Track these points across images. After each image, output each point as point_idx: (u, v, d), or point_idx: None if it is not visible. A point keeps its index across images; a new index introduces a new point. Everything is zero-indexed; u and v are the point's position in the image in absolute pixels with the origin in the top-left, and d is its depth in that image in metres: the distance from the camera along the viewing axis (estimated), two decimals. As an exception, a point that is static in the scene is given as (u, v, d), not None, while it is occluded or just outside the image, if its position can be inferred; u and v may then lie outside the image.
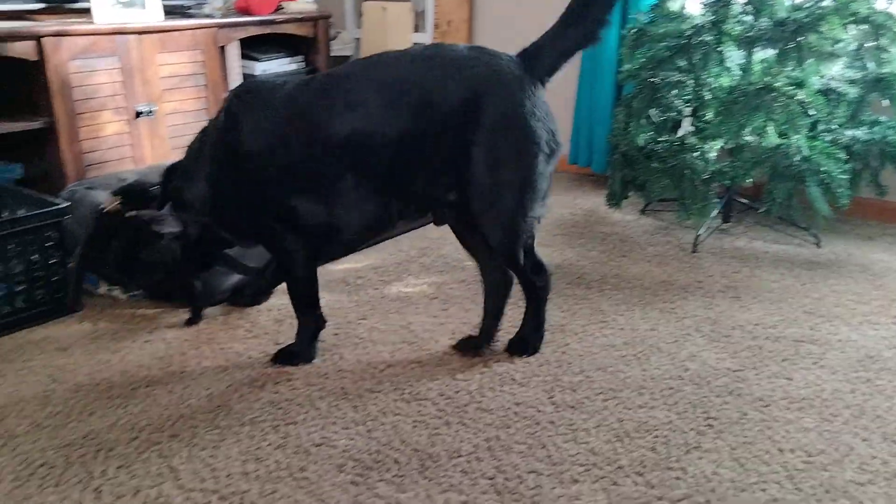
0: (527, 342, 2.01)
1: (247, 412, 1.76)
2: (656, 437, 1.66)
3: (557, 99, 4.25)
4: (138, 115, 3.02)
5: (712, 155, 2.68)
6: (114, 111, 2.94)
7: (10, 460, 1.58)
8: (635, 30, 2.88)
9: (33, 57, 2.67)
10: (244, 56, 3.56)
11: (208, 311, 2.26)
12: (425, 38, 4.24)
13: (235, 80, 3.51)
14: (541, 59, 1.81)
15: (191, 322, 2.17)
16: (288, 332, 2.12)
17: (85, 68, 2.82)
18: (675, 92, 2.74)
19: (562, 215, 3.24)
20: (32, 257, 2.16)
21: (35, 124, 2.75)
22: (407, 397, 1.83)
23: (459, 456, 1.60)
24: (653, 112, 2.78)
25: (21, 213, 2.23)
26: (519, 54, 1.82)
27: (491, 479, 1.53)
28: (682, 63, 2.72)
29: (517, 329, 2.04)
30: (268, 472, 1.55)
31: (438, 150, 1.76)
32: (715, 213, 2.81)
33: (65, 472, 1.54)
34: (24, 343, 2.08)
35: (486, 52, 1.80)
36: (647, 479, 1.52)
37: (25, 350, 2.04)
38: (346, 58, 4.51)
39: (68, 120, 2.78)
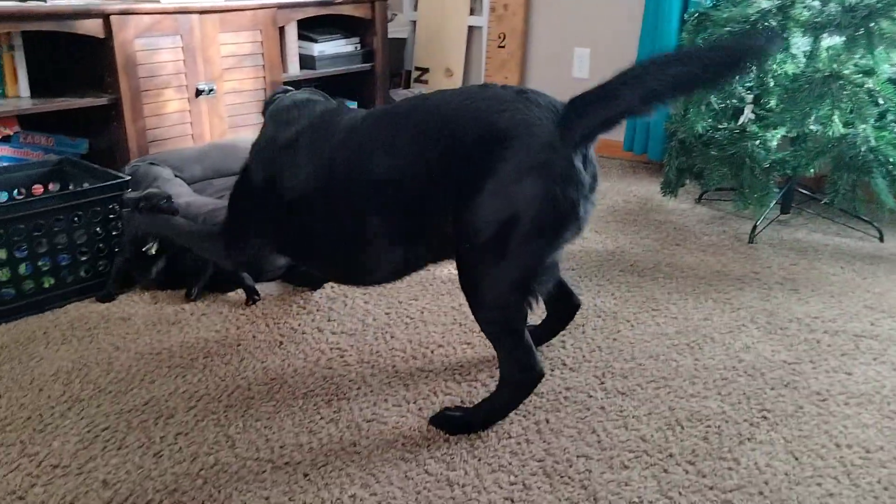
0: (468, 421, 1.65)
1: (300, 386, 1.79)
2: (708, 426, 1.65)
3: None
4: (198, 93, 3.07)
5: (774, 143, 2.62)
6: (175, 89, 3.00)
7: (75, 423, 1.64)
8: (697, 14, 2.82)
9: (101, 34, 2.74)
10: (301, 37, 3.59)
11: (265, 288, 2.31)
12: (481, 21, 4.23)
13: (293, 61, 3.55)
14: (584, 118, 1.52)
15: (249, 302, 2.21)
16: (340, 310, 2.16)
17: (149, 46, 2.88)
18: (737, 78, 2.68)
19: (616, 202, 3.21)
20: (96, 229, 2.23)
21: (101, 101, 2.82)
22: (458, 378, 1.84)
23: (509, 437, 1.60)
24: (713, 99, 2.72)
25: (86, 185, 2.30)
26: (566, 104, 1.56)
27: (540, 461, 1.53)
28: (745, 49, 2.65)
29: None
30: (320, 444, 1.58)
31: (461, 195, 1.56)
32: (774, 203, 2.75)
33: (127, 436, 1.60)
34: (87, 312, 2.16)
35: (526, 98, 1.57)
36: (698, 468, 1.51)
37: (89, 318, 2.11)
38: (401, 40, 4.53)
39: (132, 97, 2.86)
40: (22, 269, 2.10)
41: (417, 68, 4.55)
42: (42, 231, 2.10)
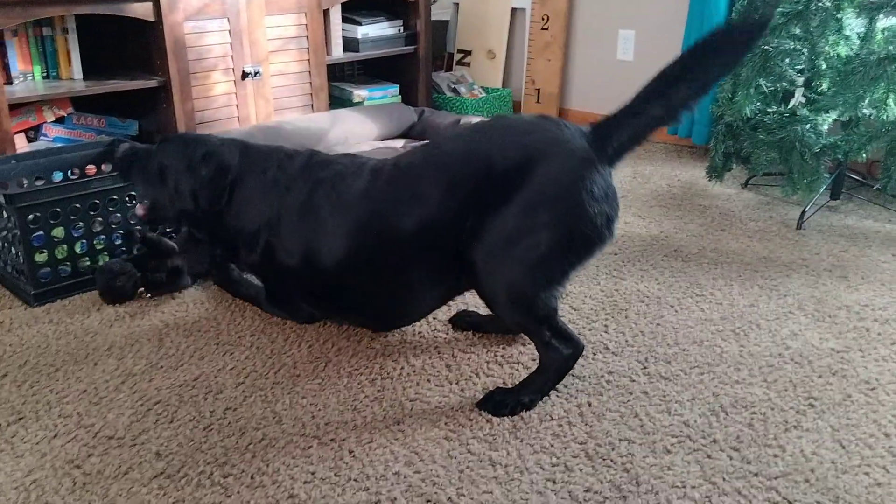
0: (503, 402, 1.64)
1: (345, 365, 1.82)
2: (753, 413, 1.63)
3: (658, 66, 4.14)
4: (245, 75, 3.12)
5: (825, 128, 2.56)
6: (223, 72, 3.05)
7: (128, 396, 1.70)
8: (747, -6, 2.76)
9: (151, 17, 2.79)
10: (345, 19, 3.61)
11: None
12: (525, 2, 4.19)
13: (337, 43, 3.57)
14: (612, 135, 1.58)
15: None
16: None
17: (197, 29, 2.93)
18: (787, 61, 2.62)
19: (659, 187, 3.18)
20: (148, 209, 2.28)
21: (151, 83, 2.89)
22: (499, 360, 1.85)
23: (551, 419, 1.61)
24: (762, 81, 2.67)
25: (138, 166, 2.35)
26: (591, 127, 1.62)
27: (582, 443, 1.54)
28: (796, 30, 2.59)
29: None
30: (365, 422, 1.61)
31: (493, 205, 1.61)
32: (823, 188, 2.70)
33: (178, 409, 1.65)
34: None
35: (552, 121, 1.63)
36: (742, 454, 1.50)
37: (141, 296, 2.17)
38: (444, 23, 4.52)
39: (181, 79, 2.91)
40: (78, 247, 2.16)
41: (460, 51, 4.53)
42: (97, 210, 2.16)
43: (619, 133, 1.59)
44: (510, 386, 1.71)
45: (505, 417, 1.61)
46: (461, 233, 1.63)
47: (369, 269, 1.78)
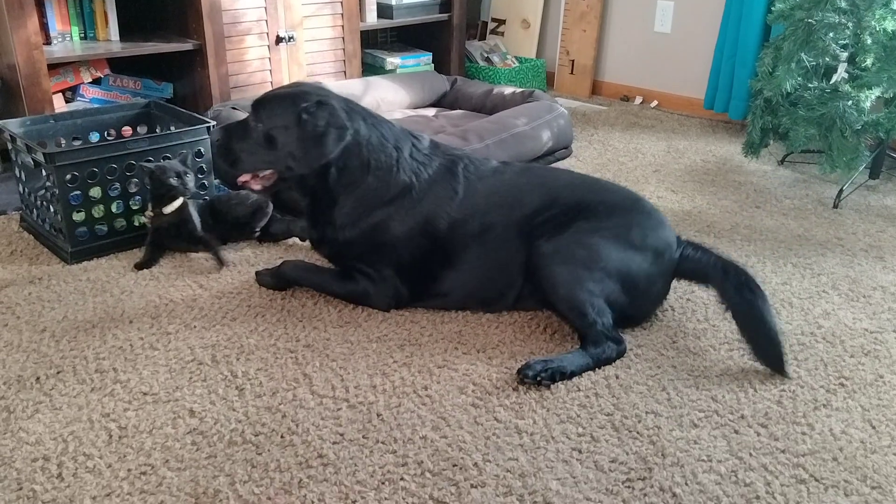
0: (532, 367, 1.65)
1: (374, 330, 1.84)
2: (783, 391, 1.62)
3: (696, 39, 4.07)
4: (279, 40, 3.12)
5: (867, 105, 2.50)
6: (257, 36, 3.05)
7: (163, 354, 1.73)
8: (790, -35, 2.69)
9: (187, -20, 2.79)
10: (380, -14, 3.58)
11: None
12: (561, -29, 4.12)
13: (371, 10, 3.55)
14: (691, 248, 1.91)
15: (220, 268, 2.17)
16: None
17: (233, -7, 2.93)
18: (831, 35, 2.56)
19: (693, 162, 3.14)
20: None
21: (186, 46, 2.90)
22: (526, 330, 1.86)
23: (578, 391, 1.62)
24: (804, 56, 2.61)
25: (173, 128, 2.37)
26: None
27: (609, 415, 1.54)
28: (842, 3, 2.52)
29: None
30: (393, 386, 1.62)
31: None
32: (862, 167, 2.64)
33: (211, 369, 1.68)
34: (172, 252, 2.24)
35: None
36: (770, 430, 1.50)
37: (174, 258, 2.20)
38: (478, -10, 4.46)
39: (216, 43, 2.92)
40: (114, 207, 2.20)
41: (494, 19, 4.48)
42: (133, 171, 2.19)
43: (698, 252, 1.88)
44: (539, 356, 1.72)
45: (531, 387, 1.62)
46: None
47: (480, 246, 1.88)
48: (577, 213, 1.84)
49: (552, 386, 1.63)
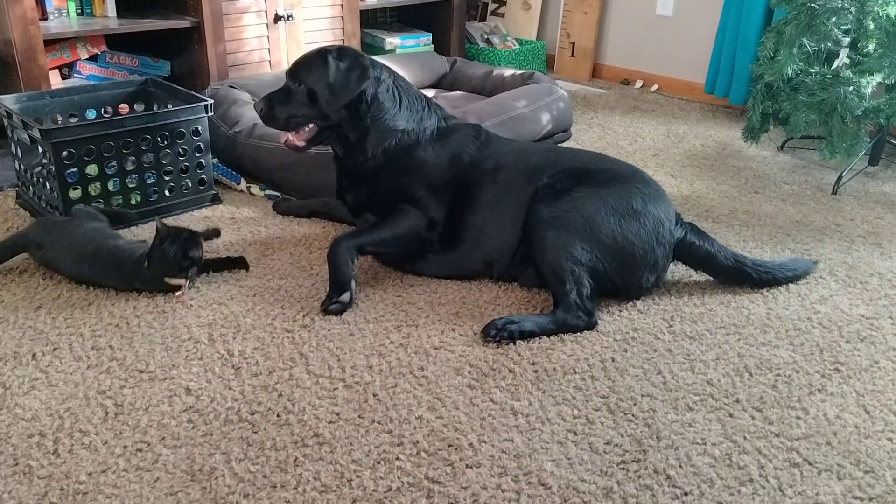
0: (494, 324, 1.73)
1: (371, 311, 1.84)
2: (778, 375, 1.63)
3: (698, 23, 4.04)
4: (277, 19, 3.09)
5: (868, 91, 2.49)
6: (256, 14, 3.03)
7: (159, 332, 1.73)
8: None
9: (185, -44, 2.76)
10: (380, -36, 3.55)
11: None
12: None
13: (371, -11, 3.51)
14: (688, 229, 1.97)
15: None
16: (411, 240, 2.18)
17: (231, -30, 2.90)
18: (834, 20, 2.54)
19: (693, 147, 3.13)
20: (180, 148, 2.29)
21: (184, 23, 2.87)
22: (523, 312, 1.86)
23: (574, 373, 1.62)
24: (806, 40, 2.59)
25: (170, 106, 2.36)
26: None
27: (604, 397, 1.55)
28: (845, -12, 2.51)
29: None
30: (389, 367, 1.63)
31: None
32: (862, 153, 2.64)
33: (208, 347, 1.68)
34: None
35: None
36: (765, 415, 1.50)
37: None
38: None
39: (214, 20, 2.89)
40: (110, 185, 2.18)
41: (494, 1, 4.45)
42: (130, 149, 2.18)
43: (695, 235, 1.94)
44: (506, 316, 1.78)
45: (527, 368, 1.62)
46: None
47: (492, 189, 1.97)
48: (578, 178, 1.90)
49: (548, 368, 1.63)
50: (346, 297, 1.83)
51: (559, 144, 2.97)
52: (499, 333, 1.71)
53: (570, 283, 1.78)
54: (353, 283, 1.86)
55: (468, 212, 1.98)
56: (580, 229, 1.81)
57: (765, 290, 1.97)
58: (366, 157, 2.00)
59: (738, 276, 1.94)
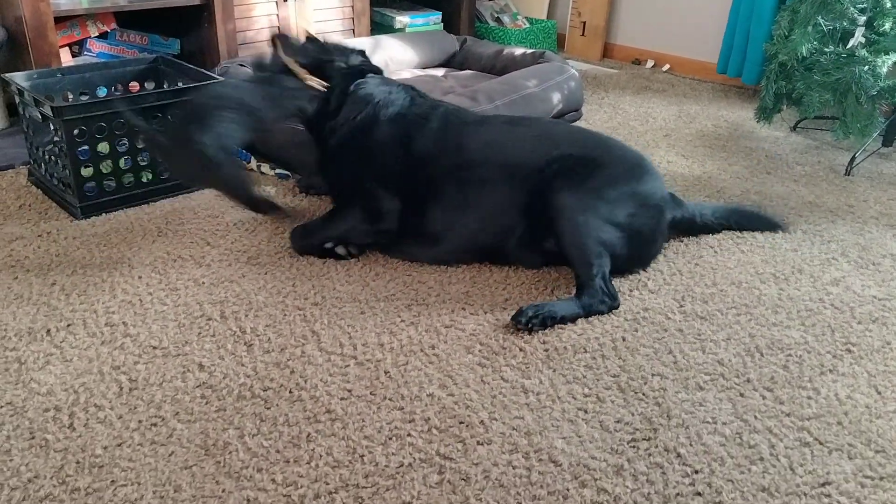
0: (525, 312, 1.71)
1: (382, 290, 1.84)
2: (789, 356, 1.63)
3: (711, 1, 3.99)
4: (288, -4, 3.07)
5: (884, 70, 2.47)
6: (265, -8, 3.01)
7: (172, 309, 1.74)
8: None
9: (195, -67, 2.74)
10: (391, -59, 3.52)
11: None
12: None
13: (381, -34, 3.49)
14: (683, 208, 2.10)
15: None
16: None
17: (241, -53, 2.88)
18: (850, -2, 2.51)
19: (705, 127, 3.11)
20: (191, 128, 2.29)
21: (194, 1, 2.86)
22: (533, 291, 1.86)
23: (585, 352, 1.63)
24: (821, 19, 2.56)
25: (181, 84, 2.35)
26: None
27: (615, 376, 1.55)
28: (862, -34, 2.47)
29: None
30: (400, 345, 1.63)
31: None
32: (876, 134, 2.61)
33: (220, 324, 1.69)
34: (180, 208, 2.24)
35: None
36: (776, 394, 1.50)
37: (182, 214, 2.20)
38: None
39: (224, -2, 2.87)
40: (122, 163, 2.19)
41: (505, -21, 4.41)
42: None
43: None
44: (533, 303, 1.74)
45: (537, 346, 1.63)
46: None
47: (465, 184, 1.93)
48: (591, 166, 1.89)
49: (559, 346, 1.63)
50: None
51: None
52: (530, 321, 1.68)
53: (597, 267, 1.79)
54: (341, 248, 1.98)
55: (440, 209, 1.93)
56: (606, 214, 1.83)
57: (777, 270, 1.96)
58: (333, 135, 2.01)
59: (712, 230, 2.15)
